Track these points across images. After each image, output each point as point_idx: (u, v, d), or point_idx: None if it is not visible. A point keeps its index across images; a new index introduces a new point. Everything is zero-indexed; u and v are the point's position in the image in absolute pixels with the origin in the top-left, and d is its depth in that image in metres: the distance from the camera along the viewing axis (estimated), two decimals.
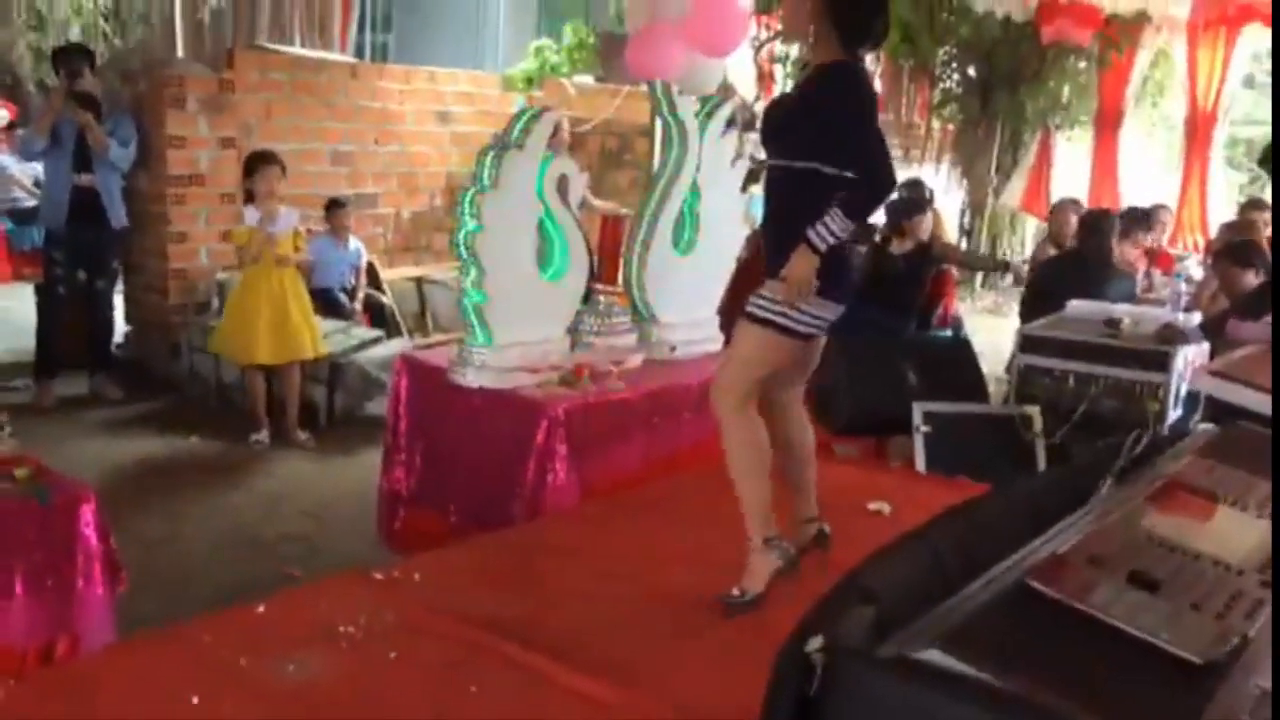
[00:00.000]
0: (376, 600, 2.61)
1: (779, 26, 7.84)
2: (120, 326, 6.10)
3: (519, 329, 3.50)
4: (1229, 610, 1.01)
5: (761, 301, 2.56)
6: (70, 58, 5.54)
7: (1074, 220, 5.88)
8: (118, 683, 2.13)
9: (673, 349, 4.02)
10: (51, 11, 11.40)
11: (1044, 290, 5.26)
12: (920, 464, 3.95)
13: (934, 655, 0.85)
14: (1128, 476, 1.37)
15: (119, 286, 6.05)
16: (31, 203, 8.54)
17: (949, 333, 5.84)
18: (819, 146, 2.52)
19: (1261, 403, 2.15)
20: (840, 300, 2.59)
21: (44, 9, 11.37)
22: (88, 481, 2.60)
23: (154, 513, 4.08)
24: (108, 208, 5.47)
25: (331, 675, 2.25)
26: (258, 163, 4.97)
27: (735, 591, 2.56)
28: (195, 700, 2.09)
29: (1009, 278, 8.95)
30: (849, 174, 2.49)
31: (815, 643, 0.89)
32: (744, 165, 4.32)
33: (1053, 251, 6.21)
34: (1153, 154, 9.84)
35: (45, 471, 2.44)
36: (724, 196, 4.15)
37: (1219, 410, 2.50)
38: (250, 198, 4.97)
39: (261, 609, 2.51)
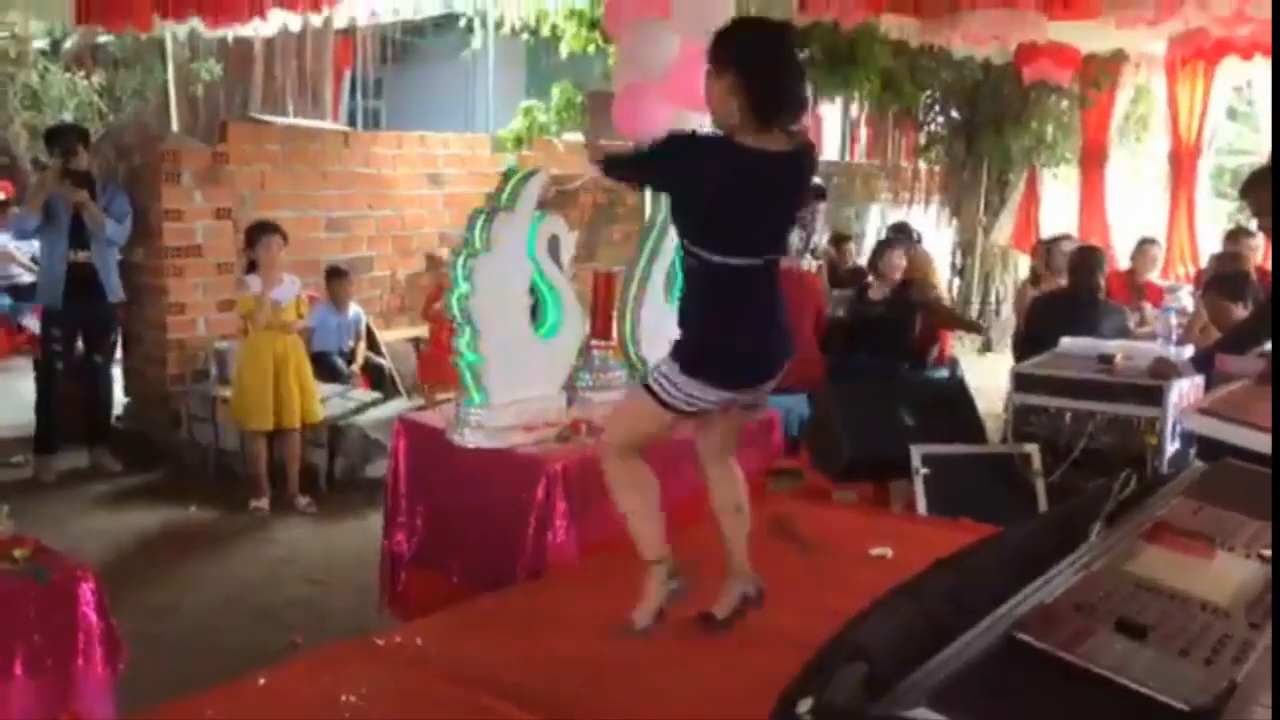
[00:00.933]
0: (379, 667, 2.59)
1: None
2: (119, 398, 6.13)
3: (515, 388, 3.51)
4: (1216, 655, 1.02)
5: (654, 372, 2.59)
6: (64, 136, 5.64)
7: (1060, 256, 5.95)
8: None
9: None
10: (46, 90, 11.58)
11: (1037, 328, 5.29)
12: (921, 507, 3.95)
13: (923, 714, 0.86)
14: (1117, 519, 1.38)
15: (117, 359, 6.08)
16: (29, 279, 8.60)
17: (944, 373, 5.86)
18: (678, 223, 2.57)
19: (1252, 439, 2.16)
20: (720, 384, 2.51)
21: (39, 88, 11.55)
22: (89, 556, 2.62)
23: (156, 583, 4.07)
24: (104, 283, 5.52)
25: None
26: (259, 233, 5.03)
27: (632, 617, 2.65)
28: None
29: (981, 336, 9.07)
30: (718, 257, 2.44)
31: (806, 705, 0.89)
32: None
33: (1032, 290, 6.26)
34: (1140, 188, 9.94)
35: (44, 551, 2.44)
36: None
37: (1211, 447, 2.51)
38: (253, 267, 5.02)
39: (262, 681, 2.49)
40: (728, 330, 2.53)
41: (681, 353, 2.54)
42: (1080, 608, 1.08)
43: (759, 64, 2.41)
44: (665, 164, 2.51)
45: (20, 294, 8.56)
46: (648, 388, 2.57)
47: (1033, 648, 0.98)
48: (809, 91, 2.75)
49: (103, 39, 10.07)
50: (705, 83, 2.49)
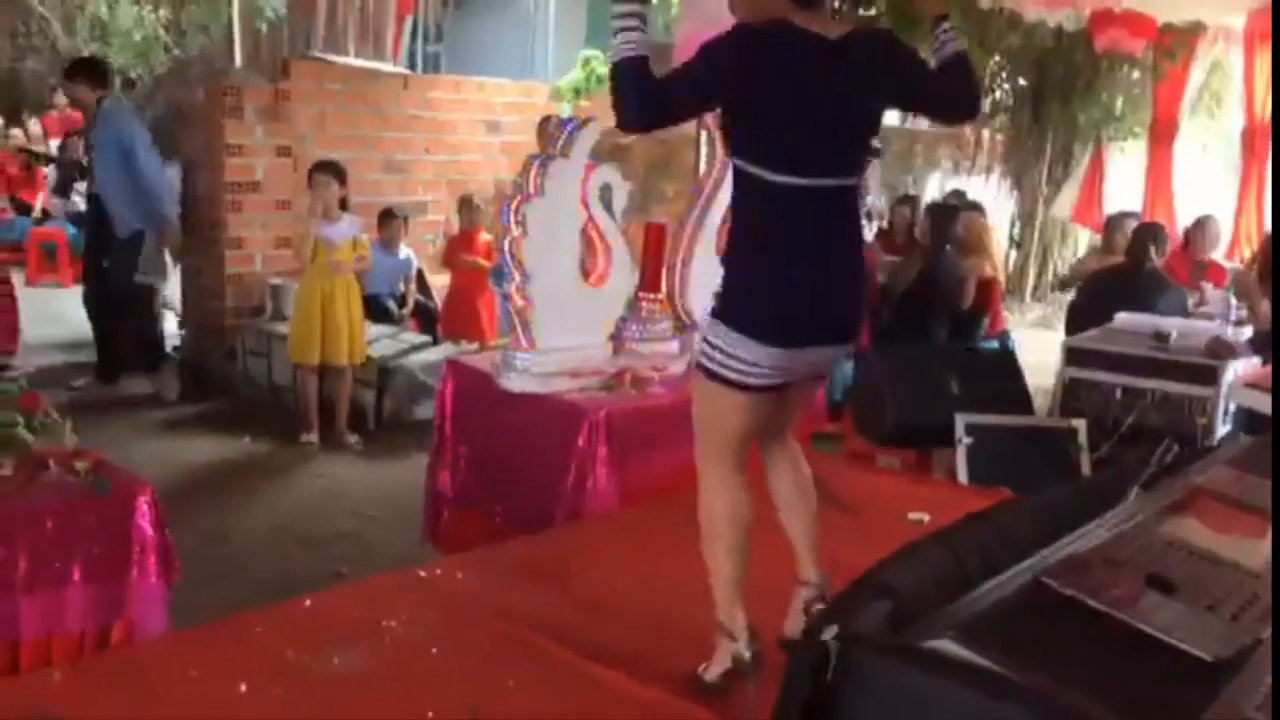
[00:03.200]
0: (419, 597, 2.68)
1: None
2: (173, 330, 6.31)
3: (562, 334, 3.55)
4: (1243, 612, 1.03)
5: (704, 346, 2.16)
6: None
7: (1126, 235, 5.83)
8: (170, 669, 2.21)
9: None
10: (114, 22, 11.77)
11: (1092, 302, 5.21)
12: (962, 475, 3.94)
13: (946, 645, 0.88)
14: (1156, 485, 1.38)
15: (168, 289, 6.25)
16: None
17: (995, 345, 5.80)
18: (730, 137, 2.11)
19: None
20: (779, 341, 2.06)
21: (107, 20, 11.74)
22: (145, 478, 2.70)
23: (208, 509, 4.20)
24: (111, 215, 5.64)
25: (375, 668, 2.32)
26: (316, 171, 5.10)
27: (701, 667, 2.27)
28: (243, 688, 2.17)
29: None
30: (783, 176, 2.01)
31: (831, 631, 0.92)
32: None
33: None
34: (1209, 166, 9.66)
35: (104, 465, 2.54)
36: None
37: (1258, 421, 2.48)
38: (346, 205, 5.09)
39: (309, 603, 2.59)
40: (786, 269, 2.06)
41: (726, 304, 2.11)
42: (1110, 561, 1.09)
43: None
44: (706, 64, 2.04)
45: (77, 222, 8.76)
46: (706, 372, 2.14)
47: (1059, 593, 1.00)
48: None
49: None
50: None
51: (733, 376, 2.09)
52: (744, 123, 2.08)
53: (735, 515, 2.21)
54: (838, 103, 2.06)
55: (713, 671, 2.25)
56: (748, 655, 2.19)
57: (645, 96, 2.04)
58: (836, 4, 6.95)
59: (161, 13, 12.02)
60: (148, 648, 2.37)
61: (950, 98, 2.28)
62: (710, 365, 2.12)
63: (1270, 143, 8.28)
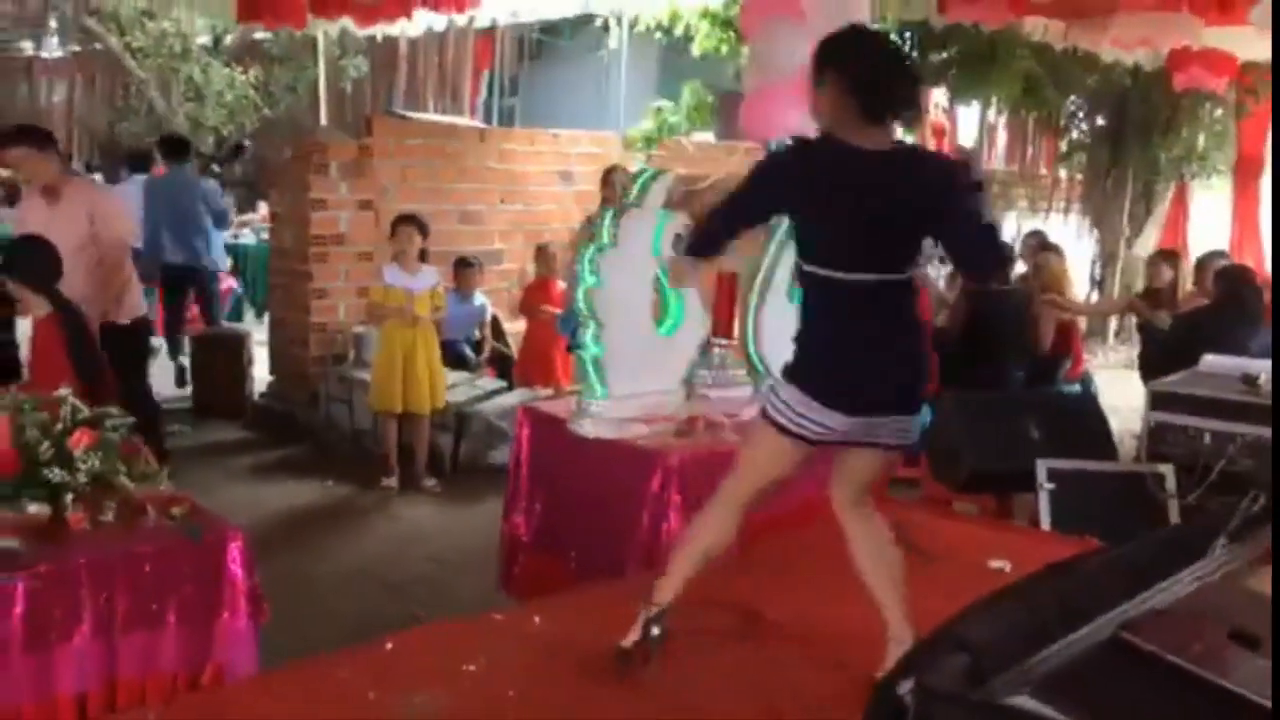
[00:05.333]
0: (498, 641, 2.72)
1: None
2: (265, 376, 6.53)
3: (635, 381, 3.59)
4: None
5: (772, 397, 2.49)
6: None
7: (1168, 271, 5.70)
8: (259, 709, 2.28)
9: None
10: (207, 83, 12.35)
11: (1175, 345, 5.08)
12: (1045, 522, 3.85)
13: (1025, 701, 0.88)
14: (1242, 536, 1.35)
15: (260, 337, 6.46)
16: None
17: (1076, 388, 5.69)
18: (797, 240, 2.50)
19: None
20: (844, 410, 2.35)
21: (200, 82, 12.32)
22: (232, 520, 2.79)
23: (291, 550, 4.31)
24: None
25: (455, 710, 2.36)
26: (398, 224, 5.26)
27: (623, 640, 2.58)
28: None
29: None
30: (835, 273, 2.33)
31: (908, 684, 0.92)
32: None
33: (1147, 308, 6.02)
34: None
35: (198, 510, 2.64)
36: None
37: None
38: (423, 256, 5.24)
39: (390, 645, 2.65)
40: (836, 348, 2.40)
41: (792, 368, 2.46)
42: (1192, 615, 1.08)
43: (853, 59, 2.34)
44: (759, 182, 2.46)
45: None
46: (765, 416, 2.47)
47: (1140, 649, 0.98)
48: (918, 91, 2.58)
49: (260, 36, 10.67)
50: (810, 98, 2.41)
51: (793, 429, 2.40)
52: (801, 227, 2.45)
53: (717, 545, 2.62)
54: (879, 210, 2.32)
55: (625, 639, 2.57)
56: (657, 630, 2.57)
57: (715, 236, 2.68)
58: (907, 50, 6.96)
59: (252, 74, 12.57)
60: (236, 689, 2.44)
61: (973, 257, 2.50)
62: (778, 418, 2.42)
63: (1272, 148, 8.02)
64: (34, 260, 3.73)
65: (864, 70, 2.32)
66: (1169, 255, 6.63)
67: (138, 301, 4.71)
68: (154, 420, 4.73)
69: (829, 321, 2.40)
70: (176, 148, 7.33)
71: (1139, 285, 9.79)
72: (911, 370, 2.44)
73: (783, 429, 2.41)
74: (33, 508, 2.40)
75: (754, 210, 2.59)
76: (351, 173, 6.35)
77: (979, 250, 2.43)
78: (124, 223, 4.80)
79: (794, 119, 4.13)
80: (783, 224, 4.00)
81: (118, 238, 4.55)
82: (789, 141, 2.54)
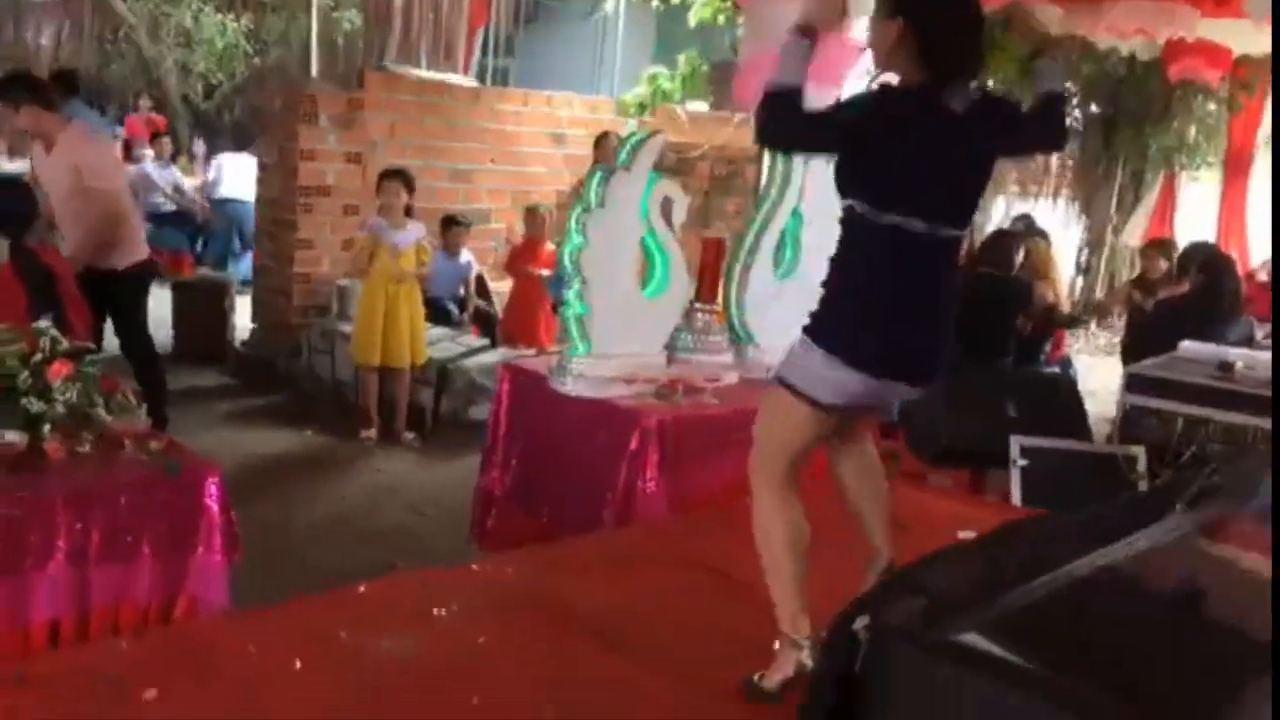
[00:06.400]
0: (471, 590, 2.75)
1: None
2: (246, 324, 6.51)
3: (618, 342, 3.61)
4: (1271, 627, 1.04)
5: (787, 359, 2.31)
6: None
7: (1163, 262, 5.75)
8: (229, 644, 2.30)
9: (768, 370, 4.07)
10: (198, 31, 12.19)
11: (1154, 330, 5.14)
12: (1015, 498, 3.91)
13: (974, 639, 0.91)
14: (1196, 504, 1.39)
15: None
16: (171, 208, 9.12)
17: (1056, 370, 5.74)
18: (851, 180, 2.23)
19: None
20: (868, 368, 2.20)
21: (191, 28, 12.16)
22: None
23: (269, 498, 4.32)
24: None
25: (424, 654, 2.39)
26: (384, 178, 5.24)
27: (756, 676, 2.30)
28: (298, 665, 2.25)
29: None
30: (893, 218, 2.16)
31: (862, 621, 0.95)
32: None
33: (1137, 293, 6.06)
34: None
35: (176, 447, 2.65)
36: (827, 224, 4.17)
37: None
38: (408, 211, 5.22)
39: (364, 590, 2.68)
40: (892, 308, 2.21)
41: (825, 327, 2.25)
42: (1146, 572, 1.11)
43: (932, 10, 2.21)
44: (850, 114, 2.24)
45: (161, 221, 9.03)
46: (784, 383, 2.27)
47: (1090, 597, 1.02)
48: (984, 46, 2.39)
49: None
50: (871, 27, 2.28)
51: (816, 394, 2.22)
52: (876, 173, 2.21)
53: (794, 539, 2.29)
54: (959, 168, 2.24)
55: (772, 679, 2.27)
56: (810, 664, 2.21)
57: (791, 126, 2.26)
58: None
59: (244, 22, 12.41)
60: (209, 623, 2.47)
61: (1040, 139, 2.53)
62: (796, 382, 2.24)
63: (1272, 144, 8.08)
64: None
65: (939, 24, 2.19)
66: (1163, 245, 6.66)
67: (137, 248, 4.66)
68: (152, 365, 4.69)
69: (891, 276, 2.20)
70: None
71: (1124, 273, 9.87)
72: (949, 336, 2.31)
73: (803, 395, 2.23)
74: (10, 436, 2.40)
75: (843, 134, 2.25)
76: (341, 125, 6.30)
77: (1042, 133, 2.45)
78: (114, 174, 4.72)
79: None
80: (768, 200, 4.02)
81: (108, 188, 4.49)
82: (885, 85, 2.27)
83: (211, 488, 2.49)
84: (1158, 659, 0.98)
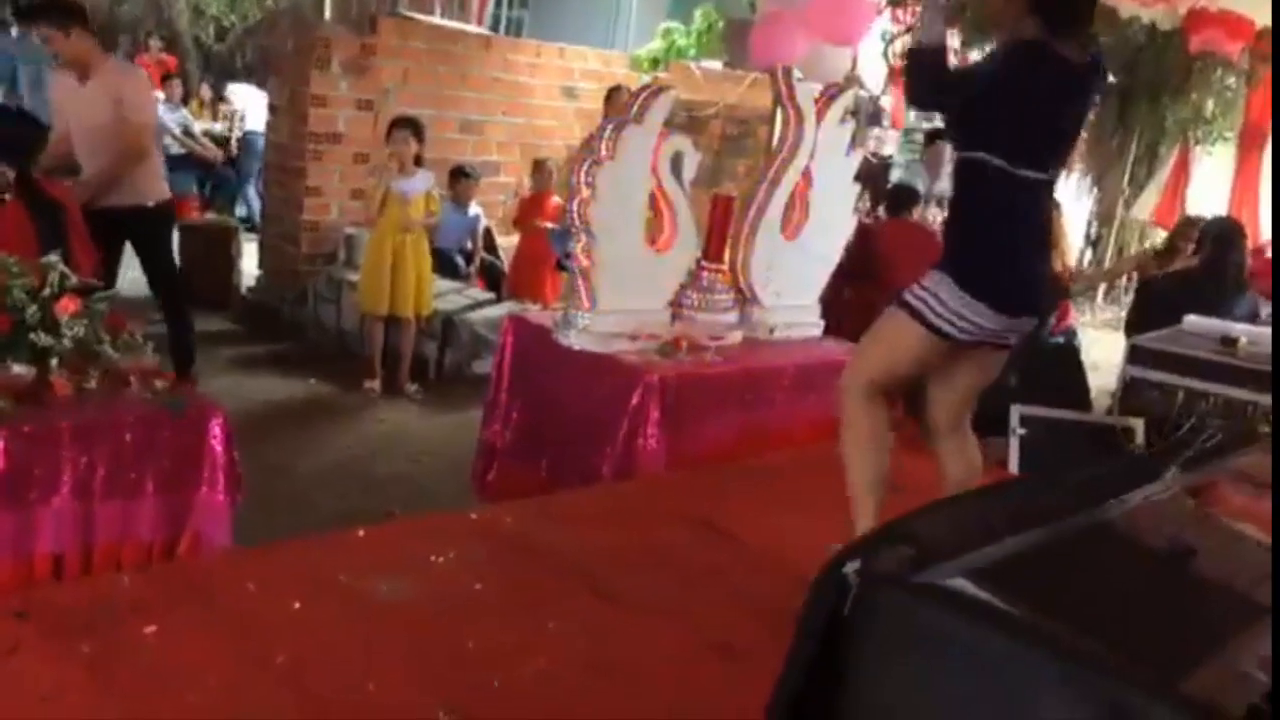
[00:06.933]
0: (470, 537, 2.78)
1: (911, 21, 7.75)
2: (253, 270, 6.51)
3: (623, 297, 3.61)
4: (1258, 583, 1.05)
5: (915, 289, 2.47)
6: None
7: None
8: (230, 581, 2.33)
9: (772, 330, 4.09)
10: None
11: (1160, 303, 5.12)
12: (1013, 465, 3.92)
13: (961, 584, 0.93)
14: (1193, 466, 1.40)
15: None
16: (179, 150, 9.08)
17: (1060, 340, 5.72)
18: (980, 134, 2.40)
19: None
20: (999, 308, 2.41)
21: None
22: None
23: (272, 443, 4.36)
24: None
25: (420, 598, 2.42)
26: (394, 126, 5.21)
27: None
28: (296, 605, 2.29)
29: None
30: (1022, 170, 2.37)
31: (853, 565, 0.97)
32: (859, 156, 4.34)
33: (1154, 265, 6.02)
34: None
35: (181, 386, 2.68)
36: (836, 185, 4.18)
37: None
38: (418, 161, 5.20)
39: (363, 534, 2.71)
40: (1012, 246, 2.43)
41: (958, 266, 2.43)
42: (1136, 527, 1.12)
43: None
44: (1003, 71, 2.37)
45: (171, 165, 8.98)
46: (907, 306, 2.44)
47: (1079, 548, 1.03)
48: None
49: None
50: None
51: (938, 324, 2.41)
52: (1006, 124, 2.38)
53: (878, 439, 2.52)
54: (1073, 117, 2.48)
55: None
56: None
57: (937, 83, 2.46)
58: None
59: None
60: (211, 560, 2.50)
61: None
62: (922, 309, 2.42)
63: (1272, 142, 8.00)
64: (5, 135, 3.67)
65: None
66: (1197, 222, 6.59)
67: (162, 185, 4.66)
68: (182, 305, 4.72)
69: (1014, 217, 2.42)
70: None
71: (1133, 247, 9.81)
72: (1048, 269, 2.62)
73: (930, 325, 2.41)
74: (18, 369, 2.42)
75: (980, 88, 2.42)
76: (353, 71, 6.26)
77: None
78: (152, 109, 4.70)
79: (802, 48, 4.11)
80: (778, 160, 4.00)
81: (146, 122, 4.49)
82: (1023, 40, 2.42)
83: (216, 428, 2.52)
84: (1140, 608, 0.99)
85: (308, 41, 6.18)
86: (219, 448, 2.51)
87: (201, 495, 2.50)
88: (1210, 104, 9.05)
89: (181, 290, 4.79)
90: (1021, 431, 3.95)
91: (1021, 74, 2.34)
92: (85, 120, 4.34)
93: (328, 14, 6.66)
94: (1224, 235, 5.30)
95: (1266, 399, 3.86)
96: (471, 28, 7.24)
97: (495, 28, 8.12)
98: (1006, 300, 2.41)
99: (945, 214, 2.67)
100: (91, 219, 3.97)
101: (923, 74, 2.46)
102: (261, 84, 6.60)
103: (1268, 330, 4.61)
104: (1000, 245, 2.43)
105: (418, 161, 5.20)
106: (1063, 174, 9.56)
